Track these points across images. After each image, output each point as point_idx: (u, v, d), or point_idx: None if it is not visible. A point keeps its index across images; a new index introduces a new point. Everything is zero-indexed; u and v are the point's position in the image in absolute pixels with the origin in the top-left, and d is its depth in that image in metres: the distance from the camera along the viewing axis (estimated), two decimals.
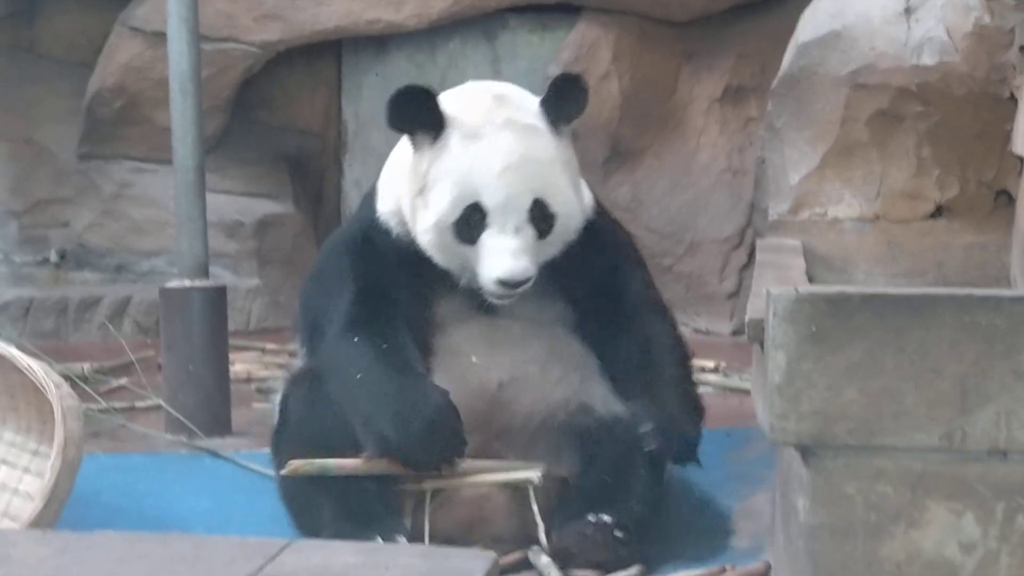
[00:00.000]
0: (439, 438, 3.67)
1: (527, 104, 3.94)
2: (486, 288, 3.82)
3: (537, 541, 3.78)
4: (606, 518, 3.70)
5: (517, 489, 3.81)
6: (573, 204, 3.89)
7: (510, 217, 3.78)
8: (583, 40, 7.66)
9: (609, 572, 3.70)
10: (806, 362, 2.74)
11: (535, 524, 3.78)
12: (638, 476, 3.83)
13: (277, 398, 4.14)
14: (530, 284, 3.82)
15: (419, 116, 3.84)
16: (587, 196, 4.07)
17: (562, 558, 3.71)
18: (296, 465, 3.77)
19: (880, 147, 5.08)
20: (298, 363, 4.26)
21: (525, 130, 3.86)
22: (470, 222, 3.80)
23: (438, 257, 3.87)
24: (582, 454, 3.87)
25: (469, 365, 3.91)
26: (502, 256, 3.77)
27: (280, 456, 3.93)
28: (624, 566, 3.71)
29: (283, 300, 7.60)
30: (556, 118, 3.91)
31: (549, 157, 3.87)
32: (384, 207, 4.00)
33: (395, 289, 3.91)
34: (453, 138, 3.82)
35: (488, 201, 3.78)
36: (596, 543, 3.68)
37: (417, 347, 3.86)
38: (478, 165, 3.79)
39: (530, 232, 3.82)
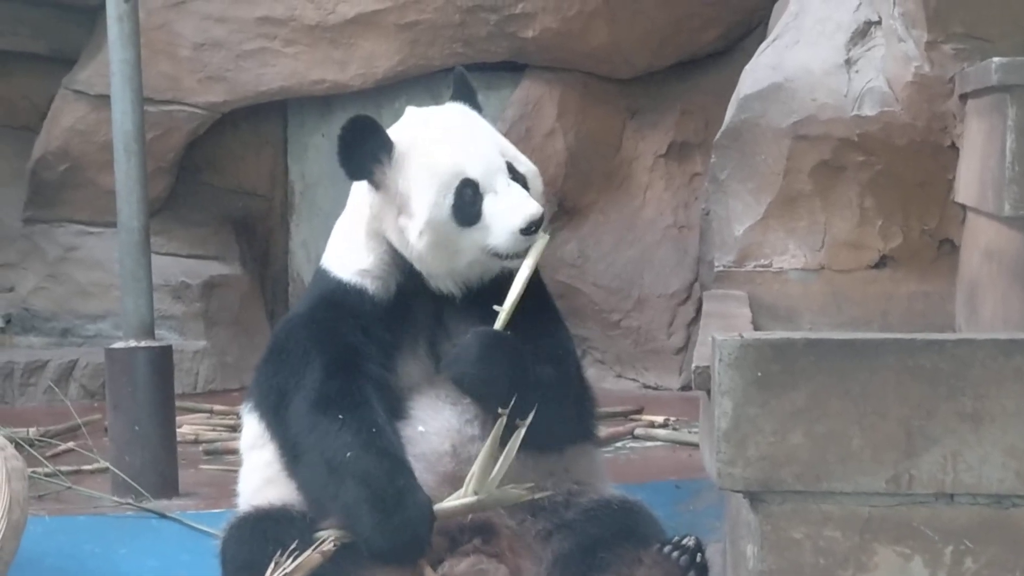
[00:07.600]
0: (409, 539, 3.60)
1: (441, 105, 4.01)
2: (506, 248, 3.73)
3: None
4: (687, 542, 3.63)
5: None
6: (532, 165, 3.91)
7: (499, 177, 3.77)
8: (528, 98, 7.70)
9: None
10: (752, 407, 2.74)
11: None
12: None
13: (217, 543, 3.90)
14: (544, 224, 3.76)
15: (371, 145, 3.81)
16: None
17: None
18: None
19: (823, 197, 5.09)
20: (244, 436, 4.12)
21: (461, 112, 3.93)
22: (465, 199, 3.75)
23: (439, 264, 3.78)
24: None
25: (416, 434, 3.86)
26: (513, 207, 3.72)
27: None
28: None
29: (231, 361, 7.58)
30: (472, 106, 3.98)
31: (492, 129, 3.94)
32: (352, 268, 3.90)
33: (363, 357, 3.82)
34: (410, 146, 3.81)
35: (474, 172, 3.76)
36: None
37: (389, 422, 3.81)
38: (448, 147, 3.79)
39: (518, 186, 3.81)
